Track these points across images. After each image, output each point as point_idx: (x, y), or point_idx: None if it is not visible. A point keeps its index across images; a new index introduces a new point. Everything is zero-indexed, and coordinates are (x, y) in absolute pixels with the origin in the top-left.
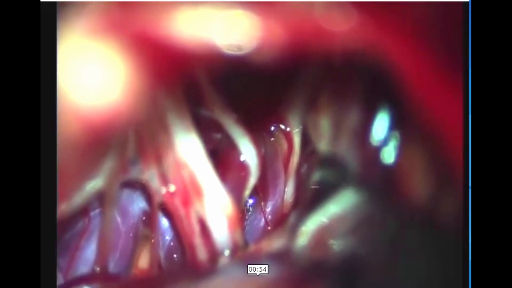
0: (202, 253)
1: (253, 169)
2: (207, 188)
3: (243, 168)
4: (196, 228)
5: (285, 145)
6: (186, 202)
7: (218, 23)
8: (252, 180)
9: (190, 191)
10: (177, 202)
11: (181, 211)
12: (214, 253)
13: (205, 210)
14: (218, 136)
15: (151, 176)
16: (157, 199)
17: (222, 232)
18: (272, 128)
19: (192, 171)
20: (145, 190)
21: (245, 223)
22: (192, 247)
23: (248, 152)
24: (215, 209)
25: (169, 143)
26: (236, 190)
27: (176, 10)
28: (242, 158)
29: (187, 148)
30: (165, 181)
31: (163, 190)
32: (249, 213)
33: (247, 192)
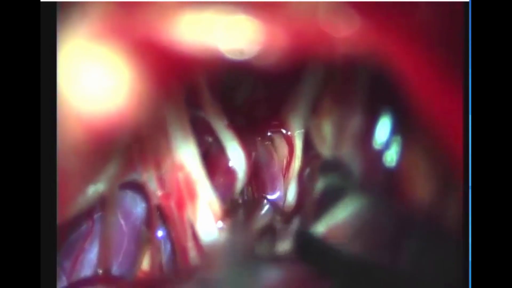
0: (195, 257)
1: (241, 174)
2: (200, 192)
3: (231, 172)
4: (189, 231)
5: (285, 149)
6: (180, 205)
7: (221, 28)
8: (240, 184)
9: (184, 194)
10: (172, 205)
11: (175, 214)
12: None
13: (196, 214)
14: (213, 140)
15: (149, 179)
16: (154, 202)
17: (211, 236)
18: (269, 133)
19: (188, 174)
20: (143, 193)
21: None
22: (185, 251)
23: (237, 156)
24: (206, 213)
25: (168, 147)
26: (226, 194)
27: (179, 14)
28: (230, 163)
29: (185, 152)
30: (161, 183)
31: (159, 193)
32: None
33: (235, 196)
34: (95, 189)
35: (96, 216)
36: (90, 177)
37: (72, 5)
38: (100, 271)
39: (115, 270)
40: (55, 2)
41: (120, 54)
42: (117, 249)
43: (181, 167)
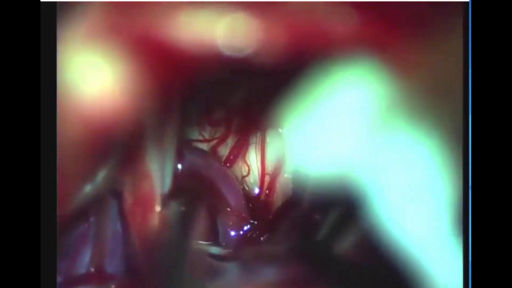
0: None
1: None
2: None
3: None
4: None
5: (280, 146)
6: (145, 214)
7: (220, 25)
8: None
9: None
10: (137, 212)
11: (138, 220)
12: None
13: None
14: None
15: (125, 183)
16: (125, 207)
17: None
18: (261, 131)
19: (152, 186)
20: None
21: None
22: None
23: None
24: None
25: (141, 153)
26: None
27: (178, 12)
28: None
29: (156, 162)
30: (134, 190)
31: (130, 200)
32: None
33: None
34: (93, 187)
35: (93, 217)
36: (88, 175)
37: (72, 4)
38: (93, 269)
39: (111, 269)
40: (55, 2)
41: (120, 52)
42: (113, 250)
43: (148, 177)
